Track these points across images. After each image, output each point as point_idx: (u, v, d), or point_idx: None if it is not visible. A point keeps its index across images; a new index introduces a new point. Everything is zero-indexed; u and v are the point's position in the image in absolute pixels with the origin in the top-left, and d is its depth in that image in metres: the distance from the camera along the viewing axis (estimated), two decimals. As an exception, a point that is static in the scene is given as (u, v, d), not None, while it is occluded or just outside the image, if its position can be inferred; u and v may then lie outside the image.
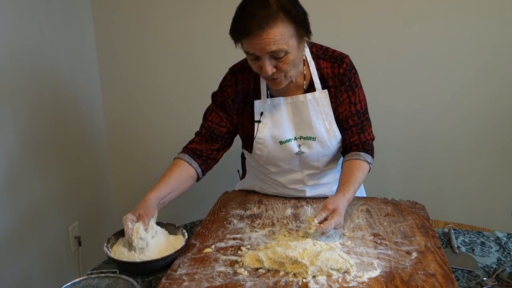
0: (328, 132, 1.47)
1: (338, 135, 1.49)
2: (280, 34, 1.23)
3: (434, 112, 2.27)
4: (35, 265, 2.03)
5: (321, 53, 1.47)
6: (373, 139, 1.54)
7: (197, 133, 1.54)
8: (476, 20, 2.11)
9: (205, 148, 1.50)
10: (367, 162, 1.47)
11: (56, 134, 2.13)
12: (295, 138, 1.48)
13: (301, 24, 1.28)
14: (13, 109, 1.86)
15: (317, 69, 1.46)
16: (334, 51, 1.48)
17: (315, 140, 1.47)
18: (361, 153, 1.48)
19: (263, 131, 1.47)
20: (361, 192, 1.74)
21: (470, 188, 2.33)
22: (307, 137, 1.47)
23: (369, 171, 1.50)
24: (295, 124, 1.48)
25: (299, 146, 1.48)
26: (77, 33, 2.31)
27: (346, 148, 1.53)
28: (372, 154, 1.52)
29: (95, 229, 2.47)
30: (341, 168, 1.50)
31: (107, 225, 2.59)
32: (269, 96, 1.48)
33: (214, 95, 1.55)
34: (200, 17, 2.32)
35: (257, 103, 1.48)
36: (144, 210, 1.29)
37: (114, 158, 2.64)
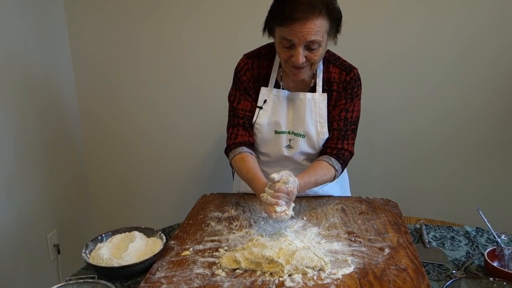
0: (318, 134, 1.54)
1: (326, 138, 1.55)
2: (320, 27, 1.33)
3: (408, 114, 2.32)
4: (13, 273, 2.01)
5: (332, 59, 1.55)
6: (351, 153, 1.58)
7: (234, 125, 1.58)
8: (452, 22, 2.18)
9: (249, 136, 1.58)
10: (334, 168, 1.52)
11: (33, 142, 2.11)
12: (288, 132, 1.55)
13: (336, 23, 1.39)
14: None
15: (325, 72, 1.53)
16: (345, 61, 1.57)
17: (304, 138, 1.54)
18: (332, 158, 1.53)
19: (262, 118, 1.55)
20: (346, 192, 1.80)
21: (443, 185, 2.40)
22: (297, 133, 1.55)
23: (335, 178, 1.54)
24: (291, 119, 1.55)
25: (289, 140, 1.56)
26: (50, 32, 2.28)
27: (322, 151, 1.58)
28: (342, 165, 1.55)
29: (74, 237, 2.46)
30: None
31: (86, 233, 2.57)
32: (277, 86, 1.55)
33: (234, 83, 1.60)
34: (181, 13, 2.32)
35: (263, 90, 1.55)
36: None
37: (92, 165, 2.63)
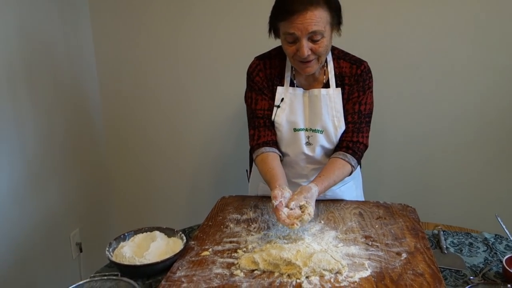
0: (335, 128, 1.57)
1: None
2: (320, 17, 1.38)
3: (426, 116, 2.31)
4: (37, 272, 2.07)
5: (342, 55, 1.59)
6: (365, 146, 1.60)
7: (255, 127, 1.61)
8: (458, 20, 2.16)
9: (271, 135, 1.60)
10: (350, 164, 1.54)
11: (56, 142, 2.18)
12: (306, 129, 1.58)
13: (336, 14, 1.44)
14: (14, 117, 1.91)
15: (336, 68, 1.57)
16: (354, 55, 1.61)
17: (322, 133, 1.57)
18: (348, 154, 1.55)
19: (281, 116, 1.58)
20: (359, 196, 1.80)
21: (462, 191, 2.38)
22: (315, 129, 1.57)
23: (351, 173, 1.57)
24: (308, 116, 1.58)
25: (308, 137, 1.59)
26: (75, 30, 2.34)
27: (338, 145, 1.60)
28: (358, 159, 1.57)
29: (96, 236, 2.52)
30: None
31: (108, 232, 2.63)
32: (291, 85, 1.59)
33: (249, 85, 1.64)
34: (203, 15, 2.37)
35: (280, 89, 1.59)
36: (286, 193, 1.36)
37: (115, 166, 2.69)
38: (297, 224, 1.25)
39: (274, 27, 1.49)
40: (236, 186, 2.41)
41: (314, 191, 1.36)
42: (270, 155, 1.56)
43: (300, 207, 1.31)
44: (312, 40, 1.40)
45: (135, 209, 2.73)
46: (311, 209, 1.30)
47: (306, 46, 1.40)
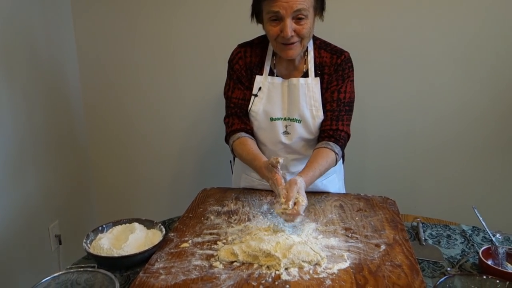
0: (313, 118, 1.57)
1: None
2: None
3: (407, 111, 2.33)
4: (15, 264, 2.04)
5: (323, 45, 1.60)
6: (347, 134, 1.59)
7: (228, 115, 1.62)
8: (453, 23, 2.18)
9: (245, 124, 1.60)
10: (334, 152, 1.53)
11: (36, 133, 2.14)
12: (284, 119, 1.58)
13: None
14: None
15: (317, 57, 1.57)
16: (336, 46, 1.61)
17: (300, 123, 1.57)
18: (330, 142, 1.55)
19: (257, 105, 1.58)
20: (341, 189, 1.81)
21: (441, 184, 2.42)
22: (293, 118, 1.57)
23: (337, 161, 1.56)
24: (286, 105, 1.58)
25: (286, 126, 1.59)
26: (56, 24, 2.31)
27: (320, 135, 1.60)
28: (341, 147, 1.57)
29: (76, 228, 2.49)
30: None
31: (88, 224, 2.60)
32: (271, 74, 1.59)
33: (228, 73, 1.64)
34: (186, 13, 2.35)
35: (258, 78, 1.58)
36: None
37: (95, 156, 2.66)
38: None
39: (257, 9, 1.48)
40: (220, 178, 2.41)
41: (300, 181, 1.35)
42: (249, 139, 1.57)
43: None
44: (296, 19, 1.41)
45: (116, 201, 2.70)
46: (303, 198, 1.30)
47: (289, 26, 1.40)
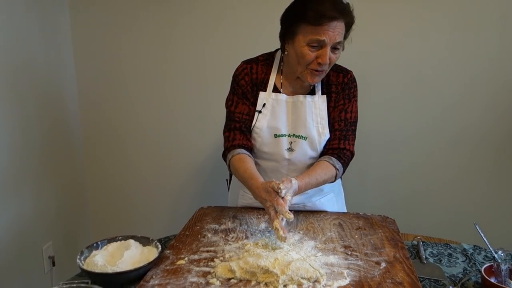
0: (319, 135, 1.56)
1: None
2: (343, 29, 1.41)
3: (408, 132, 2.34)
4: (6, 285, 1.99)
5: None
6: (352, 153, 1.60)
7: (230, 129, 1.59)
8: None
9: (246, 140, 1.58)
10: (335, 167, 1.53)
11: (30, 151, 2.12)
12: (289, 135, 1.57)
13: (349, 28, 1.45)
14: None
15: (324, 76, 1.55)
16: (340, 65, 1.62)
17: (306, 140, 1.56)
18: (332, 157, 1.55)
19: (262, 121, 1.57)
20: (340, 210, 1.79)
21: (441, 203, 2.41)
22: (299, 135, 1.56)
23: (336, 177, 1.55)
24: (291, 122, 1.57)
25: (290, 143, 1.58)
26: (53, 28, 2.30)
27: (324, 151, 1.59)
28: (343, 164, 1.57)
29: (70, 250, 2.44)
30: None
31: (82, 245, 2.53)
32: (274, 91, 1.58)
33: (232, 88, 1.63)
34: (185, 18, 2.36)
35: (262, 94, 1.58)
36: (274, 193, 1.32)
37: (90, 176, 2.63)
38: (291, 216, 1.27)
39: (291, 30, 1.44)
40: (216, 197, 2.38)
41: (294, 183, 1.35)
42: (248, 157, 1.54)
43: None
44: (332, 49, 1.42)
45: (111, 222, 2.66)
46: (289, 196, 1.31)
47: (328, 54, 1.41)
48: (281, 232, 1.26)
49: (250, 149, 1.59)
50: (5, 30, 1.95)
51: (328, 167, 1.52)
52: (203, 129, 2.47)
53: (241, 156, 1.53)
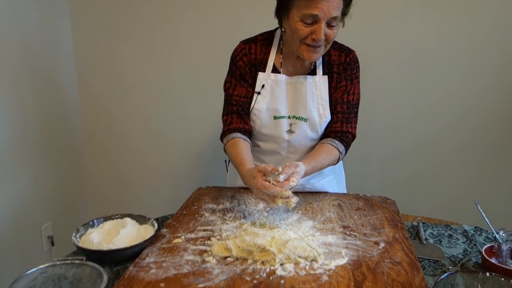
0: (320, 117, 1.53)
1: (329, 121, 1.54)
2: (339, 4, 1.35)
3: (408, 112, 2.32)
4: (6, 265, 1.99)
5: (332, 43, 1.52)
6: (353, 136, 1.57)
7: (228, 113, 1.56)
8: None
9: (244, 123, 1.55)
10: (338, 150, 1.51)
11: (29, 133, 2.11)
12: (288, 117, 1.53)
13: (348, 4, 1.39)
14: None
15: (325, 55, 1.52)
16: (342, 44, 1.57)
17: (306, 122, 1.53)
18: (336, 140, 1.52)
19: (261, 103, 1.53)
20: (342, 188, 1.77)
21: (442, 184, 2.40)
22: (299, 117, 1.53)
23: (338, 160, 1.54)
24: (291, 103, 1.53)
25: (290, 125, 1.54)
26: (53, 25, 2.29)
27: (327, 134, 1.56)
28: (346, 147, 1.54)
29: (69, 229, 2.41)
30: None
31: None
32: (274, 71, 1.54)
33: (230, 70, 1.59)
34: (185, 12, 2.34)
35: (261, 75, 1.53)
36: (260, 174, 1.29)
37: (89, 158, 2.62)
38: (288, 192, 1.23)
39: (286, 6, 1.40)
40: (215, 179, 2.37)
41: (301, 168, 1.32)
42: (241, 141, 1.51)
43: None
44: (328, 25, 1.37)
45: (110, 201, 2.66)
46: (295, 181, 1.27)
47: (323, 30, 1.36)
48: (292, 199, 1.25)
49: (248, 132, 1.57)
50: (4, 22, 1.93)
51: (333, 150, 1.50)
52: (202, 110, 2.45)
53: (235, 140, 1.51)
